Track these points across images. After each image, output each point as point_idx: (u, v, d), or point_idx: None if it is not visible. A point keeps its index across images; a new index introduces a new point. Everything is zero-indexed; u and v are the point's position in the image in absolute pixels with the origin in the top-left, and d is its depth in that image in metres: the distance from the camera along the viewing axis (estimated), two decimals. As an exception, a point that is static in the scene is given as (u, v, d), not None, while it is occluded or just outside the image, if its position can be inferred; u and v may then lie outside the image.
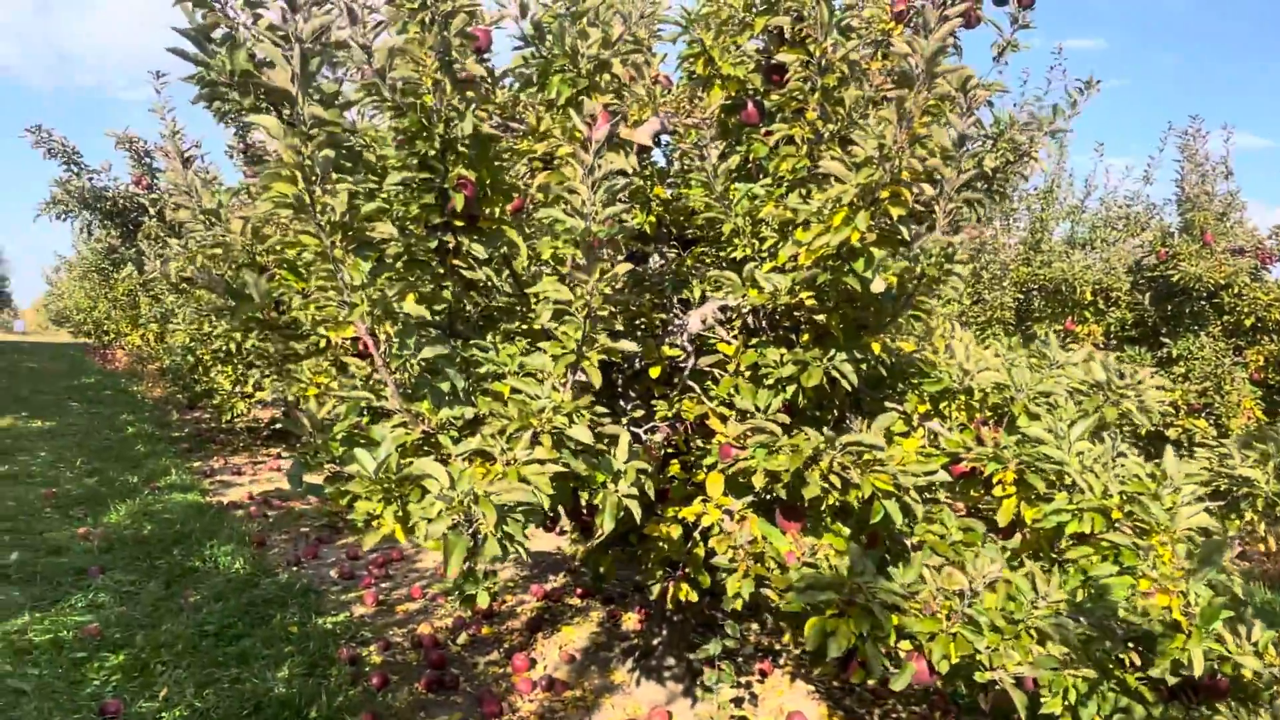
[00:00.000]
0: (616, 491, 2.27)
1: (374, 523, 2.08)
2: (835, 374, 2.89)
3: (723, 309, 3.30)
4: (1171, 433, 7.33)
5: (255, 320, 2.25)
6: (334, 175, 1.92)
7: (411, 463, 2.08)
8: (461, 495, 1.88)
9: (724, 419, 3.08)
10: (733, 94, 3.21)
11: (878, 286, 2.58)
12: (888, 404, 3.44)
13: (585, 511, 2.65)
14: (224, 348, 6.23)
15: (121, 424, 11.72)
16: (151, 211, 7.94)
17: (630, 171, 2.56)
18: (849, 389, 2.89)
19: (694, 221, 3.85)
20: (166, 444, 10.40)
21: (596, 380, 2.28)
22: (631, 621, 5.40)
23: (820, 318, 2.85)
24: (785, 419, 3.00)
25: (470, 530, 1.89)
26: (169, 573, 5.80)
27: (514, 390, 2.35)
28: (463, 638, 5.05)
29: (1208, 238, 7.89)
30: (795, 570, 2.72)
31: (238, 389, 7.46)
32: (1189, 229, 8.07)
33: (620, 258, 2.60)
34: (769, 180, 2.94)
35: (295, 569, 6.17)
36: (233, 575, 5.77)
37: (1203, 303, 8.26)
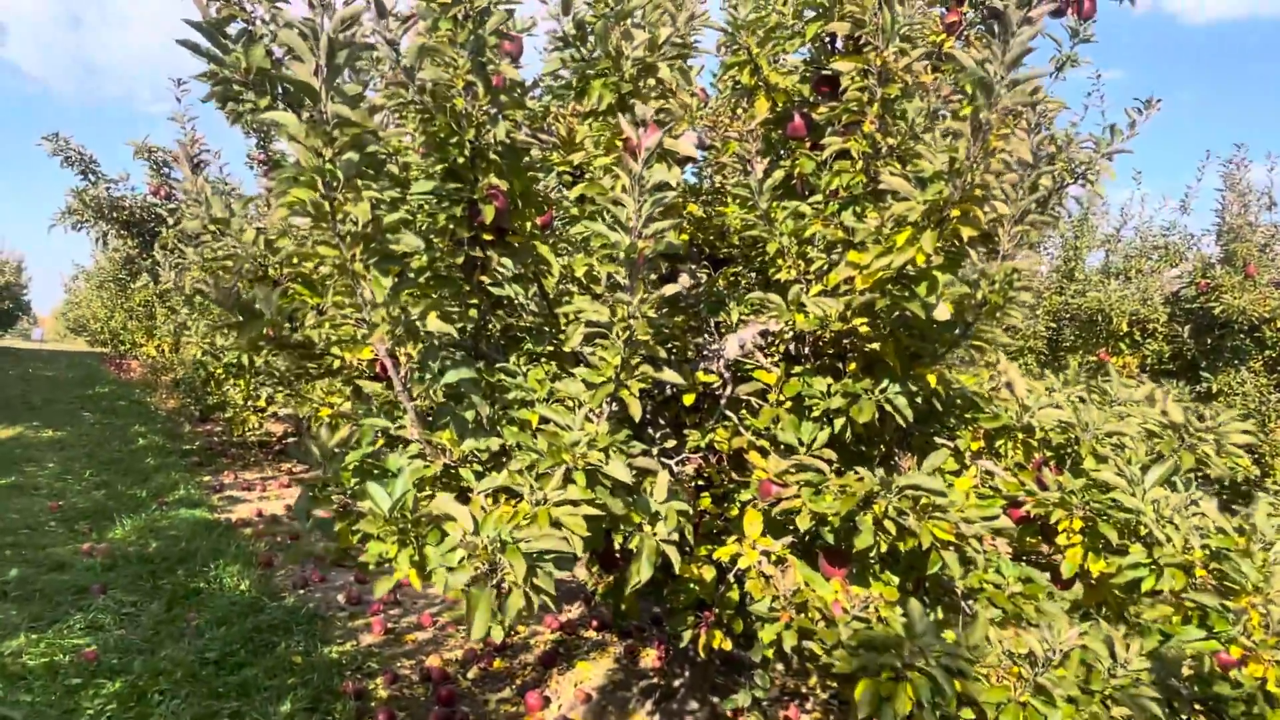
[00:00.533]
0: (654, 535, 2.06)
1: (387, 566, 1.86)
2: (888, 408, 2.67)
3: (763, 334, 3.08)
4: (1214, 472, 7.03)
5: (265, 338, 2.05)
6: (358, 181, 1.73)
7: (431, 499, 1.87)
8: (487, 542, 1.67)
9: (764, 452, 2.86)
10: (779, 106, 3.01)
11: (941, 314, 2.37)
12: (937, 439, 3.21)
13: (618, 555, 2.43)
14: (236, 361, 6.07)
15: (133, 435, 11.57)
16: (170, 221, 7.81)
17: (677, 184, 2.36)
18: (902, 424, 2.67)
19: (729, 240, 3.64)
20: (177, 457, 10.23)
21: (636, 412, 2.07)
22: (650, 658, 5.16)
23: (873, 346, 2.63)
24: (832, 455, 2.78)
25: (495, 581, 1.68)
26: (172, 593, 5.60)
27: (543, 420, 2.13)
28: (473, 671, 4.82)
29: (1251, 270, 7.63)
30: (844, 624, 2.48)
31: (249, 403, 7.29)
32: (1230, 260, 7.82)
33: (654, 278, 2.39)
34: (819, 197, 2.74)
35: (302, 592, 5.96)
36: (237, 598, 5.57)
37: (1243, 336, 7.99)
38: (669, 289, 2.05)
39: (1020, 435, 3.18)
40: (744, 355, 3.12)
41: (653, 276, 2.16)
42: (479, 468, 2.02)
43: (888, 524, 2.48)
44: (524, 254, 2.29)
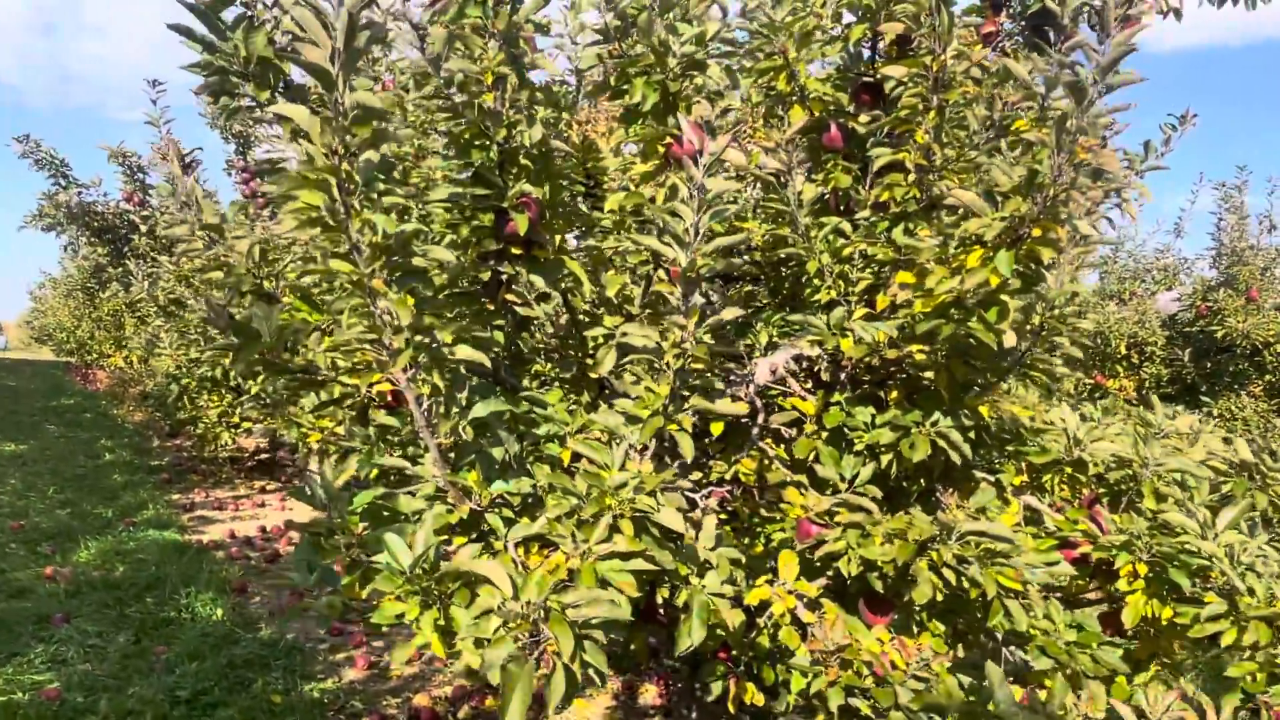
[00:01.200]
0: (704, 589, 1.81)
1: (407, 625, 1.61)
2: (941, 443, 2.45)
3: (796, 359, 2.86)
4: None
5: (263, 362, 1.80)
6: (379, 185, 1.48)
7: (458, 554, 1.62)
8: (527, 609, 1.42)
9: (801, 488, 2.63)
10: (815, 114, 2.80)
11: (1010, 340, 2.16)
12: (977, 473, 3.00)
13: (661, 612, 2.18)
14: (210, 374, 5.76)
15: (99, 450, 11.15)
16: (143, 229, 7.49)
17: (739, 196, 2.15)
18: (957, 460, 2.45)
19: (752, 257, 3.42)
20: (145, 474, 9.84)
21: (689, 450, 1.84)
22: (650, 695, 4.90)
23: (927, 375, 2.42)
24: (877, 493, 2.56)
25: (536, 654, 1.43)
26: (140, 623, 5.27)
27: (577, 457, 1.89)
28: (464, 711, 4.54)
29: (1253, 293, 7.53)
30: (899, 683, 2.25)
31: (224, 419, 6.97)
32: (1232, 283, 7.72)
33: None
34: (865, 212, 2.52)
35: (279, 621, 5.64)
36: (210, 628, 5.24)
37: (1243, 361, 7.90)
38: (729, 312, 1.82)
39: (1068, 470, 2.98)
40: (774, 381, 2.89)
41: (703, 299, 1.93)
42: (509, 513, 1.77)
43: (946, 572, 2.26)
44: (553, 270, 2.05)
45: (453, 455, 1.81)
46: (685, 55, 1.95)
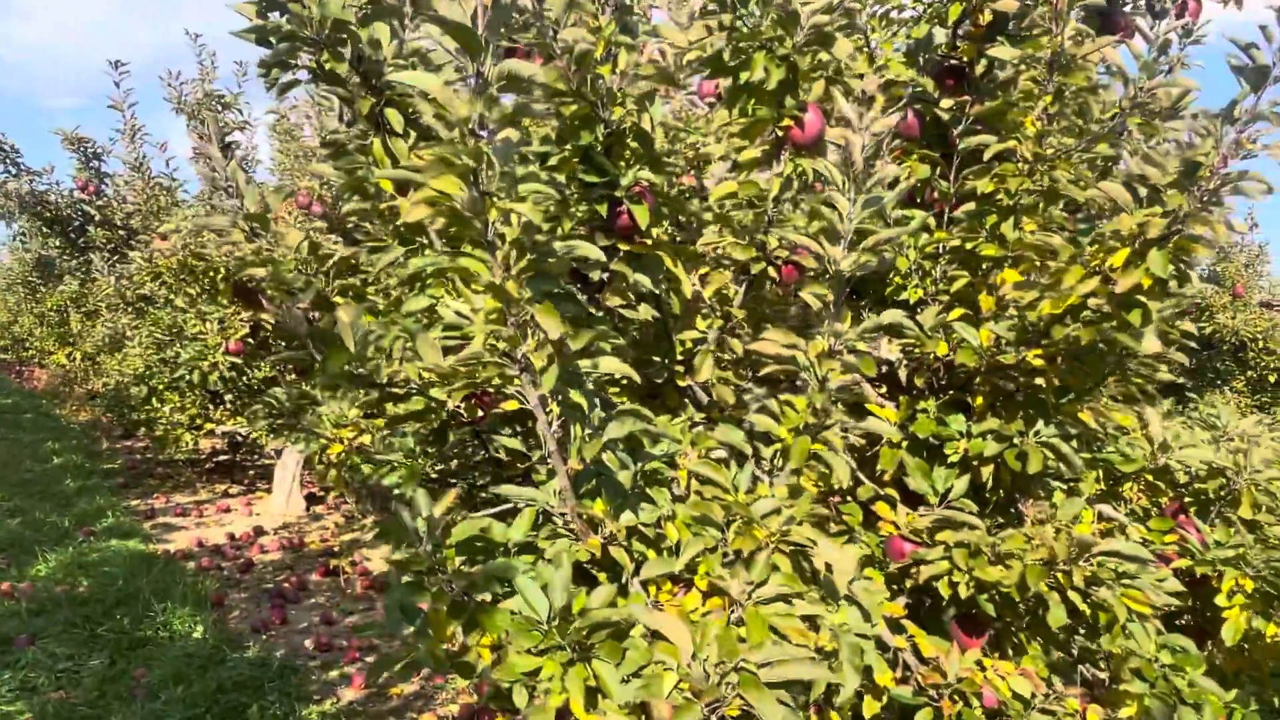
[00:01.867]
0: (848, 628, 1.61)
1: (541, 687, 1.38)
2: (1049, 454, 2.28)
3: (877, 362, 2.66)
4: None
5: (347, 376, 1.55)
6: (521, 169, 1.25)
7: (590, 597, 1.39)
8: (714, 671, 1.21)
9: (891, 503, 2.44)
10: (896, 100, 2.60)
11: (1152, 346, 1.99)
12: (1052, 482, 2.84)
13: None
14: (187, 377, 5.41)
15: (46, 453, 10.57)
16: (98, 219, 7.04)
17: (903, 182, 1.94)
18: (1068, 473, 2.28)
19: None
20: (99, 478, 9.34)
21: (844, 474, 1.63)
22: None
23: (1038, 381, 2.25)
24: (973, 507, 2.38)
25: (721, 720, 1.21)
26: (115, 644, 4.91)
27: (702, 480, 1.67)
28: (476, 732, 4.28)
29: (1239, 290, 7.58)
30: (1019, 716, 2.08)
31: (196, 421, 6.60)
32: (1218, 280, 7.77)
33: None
34: (972, 205, 2.34)
35: (265, 638, 5.31)
36: (192, 647, 4.90)
37: (1226, 357, 7.96)
38: (887, 315, 1.62)
39: (1149, 477, 2.84)
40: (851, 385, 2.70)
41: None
42: (641, 547, 1.54)
43: (1073, 595, 2.09)
44: (656, 267, 1.83)
45: (575, 485, 1.57)
46: (814, 27, 1.73)
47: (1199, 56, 3.71)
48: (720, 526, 1.53)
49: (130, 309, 6.57)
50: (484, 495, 2.43)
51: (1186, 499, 2.79)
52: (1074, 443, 2.46)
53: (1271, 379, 7.93)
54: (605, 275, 1.80)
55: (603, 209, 1.68)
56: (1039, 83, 2.20)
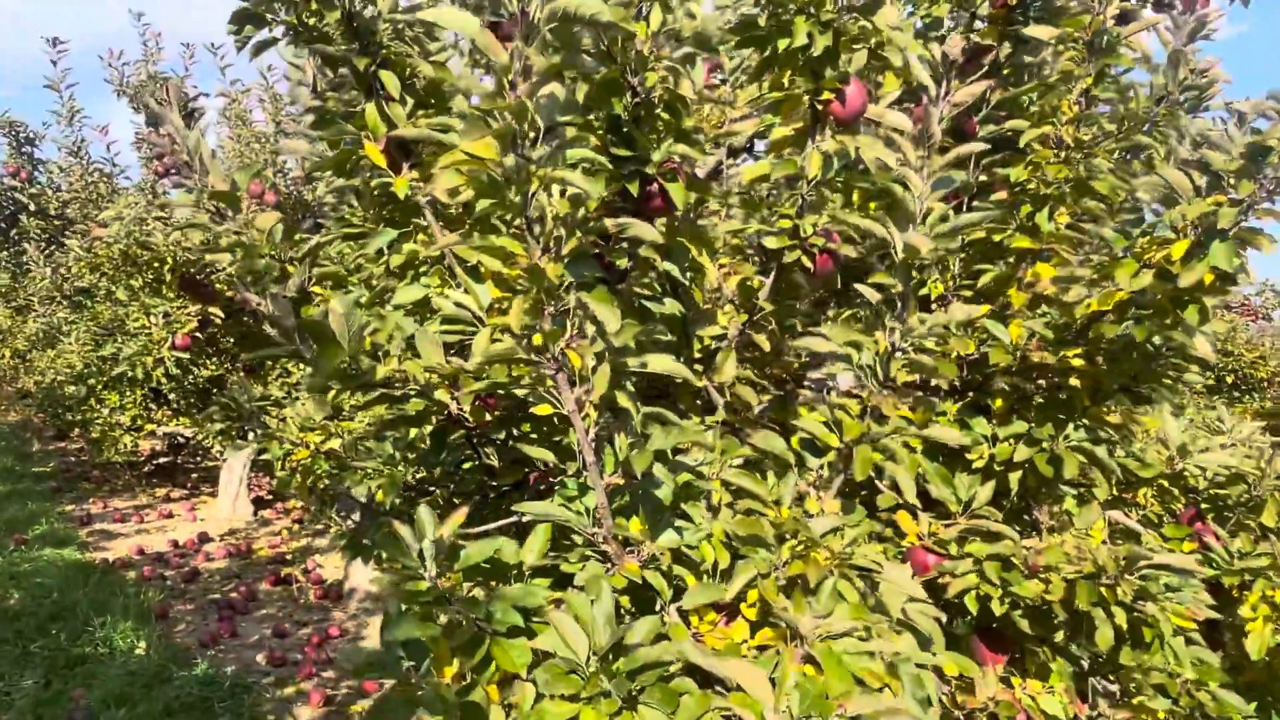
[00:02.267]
0: (910, 661, 1.44)
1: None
2: (1083, 458, 2.15)
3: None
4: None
5: (343, 375, 1.34)
6: (567, 132, 1.06)
7: (631, 630, 1.21)
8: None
9: (912, 511, 2.28)
10: (910, 84, 2.45)
11: (1205, 349, 1.87)
12: (1063, 487, 2.72)
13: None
14: (129, 374, 5.05)
15: (-29, 455, 10.02)
16: (32, 207, 6.63)
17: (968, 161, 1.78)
18: (1109, 483, 2.16)
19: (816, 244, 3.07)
20: (31, 482, 8.86)
21: (910, 489, 1.47)
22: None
23: (1073, 381, 2.11)
24: (998, 515, 2.24)
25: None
26: (50, 662, 4.57)
27: (735, 491, 1.49)
28: (445, 751, 4.05)
29: (1199, 291, 7.63)
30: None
31: (137, 421, 6.22)
32: (1179, 282, 7.82)
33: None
34: (1003, 195, 2.20)
35: (212, 652, 5.01)
36: (135, 665, 4.59)
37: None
38: (959, 312, 1.46)
39: (1163, 483, 2.74)
40: (859, 388, 2.54)
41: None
42: (682, 571, 1.35)
43: (1116, 611, 1.96)
44: (682, 256, 1.64)
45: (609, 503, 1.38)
46: (858, -11, 1.57)
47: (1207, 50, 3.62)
48: (767, 545, 1.35)
49: (66, 302, 6.17)
50: (474, 504, 2.22)
51: (1203, 505, 2.69)
52: (1103, 447, 2.34)
53: (1229, 380, 8.02)
54: (629, 263, 1.61)
55: (633, 186, 1.49)
56: (1078, 63, 2.06)
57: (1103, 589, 1.95)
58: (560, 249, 1.13)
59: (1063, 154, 2.08)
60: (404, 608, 1.39)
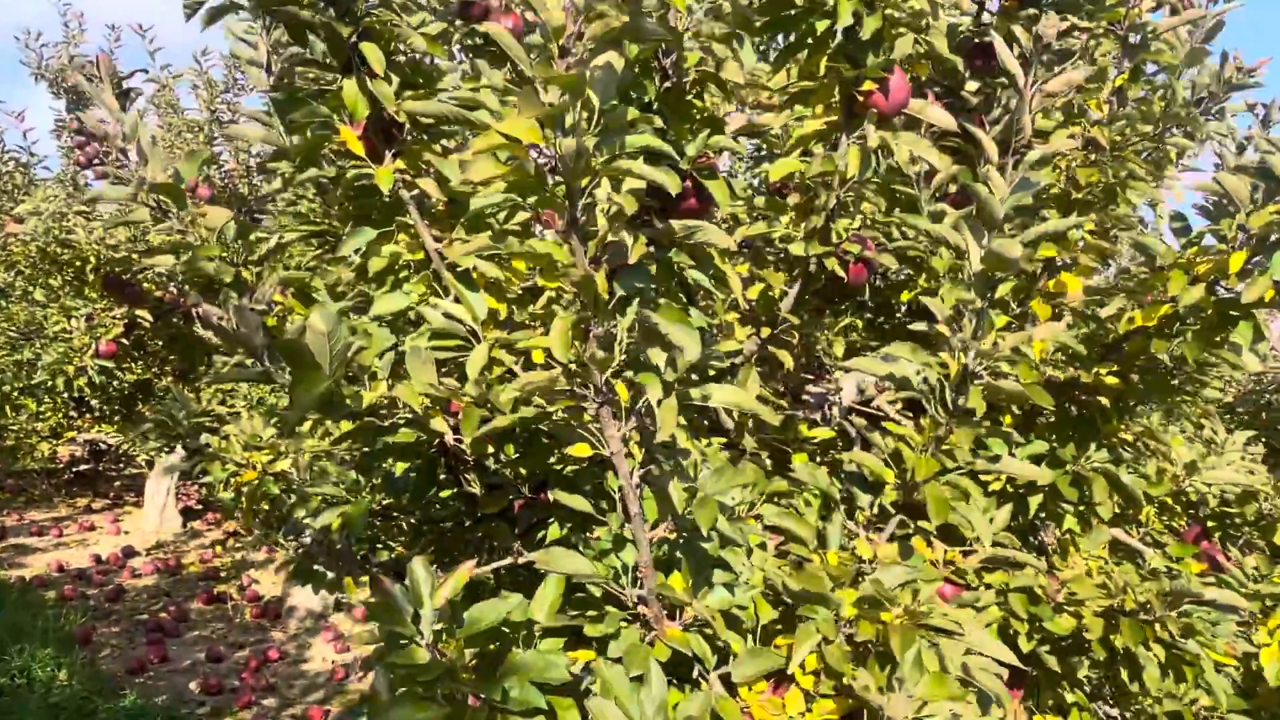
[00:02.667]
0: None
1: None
2: (1108, 480, 2.02)
3: (889, 376, 2.35)
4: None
5: (325, 403, 1.11)
6: (627, 112, 0.86)
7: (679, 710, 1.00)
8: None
9: (927, 538, 2.13)
10: (921, 79, 2.30)
11: (1254, 365, 1.74)
12: (1064, 505, 2.61)
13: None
14: (48, 381, 4.65)
15: None
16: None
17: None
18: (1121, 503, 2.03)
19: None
20: (-64, 493, 8.27)
21: (986, 532, 1.29)
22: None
23: (1103, 400, 1.98)
24: (1016, 542, 2.10)
25: None
26: (-42, 697, 4.17)
27: (782, 537, 1.30)
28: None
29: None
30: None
31: (57, 429, 5.78)
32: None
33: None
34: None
35: (141, 680, 4.66)
36: (56, 697, 4.21)
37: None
38: (1045, 330, 1.29)
39: (1167, 500, 2.64)
40: (862, 403, 2.38)
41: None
42: (733, 636, 1.15)
43: (1155, 648, 1.82)
44: (706, 263, 1.45)
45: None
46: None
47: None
48: (824, 600, 1.17)
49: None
50: (451, 538, 2.00)
51: (1209, 523, 2.60)
52: (1123, 467, 2.22)
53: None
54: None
55: (673, 181, 1.29)
56: (1114, 59, 1.92)
57: (1149, 628, 1.81)
58: (621, 255, 0.93)
59: (1093, 156, 1.94)
60: (399, 687, 1.17)
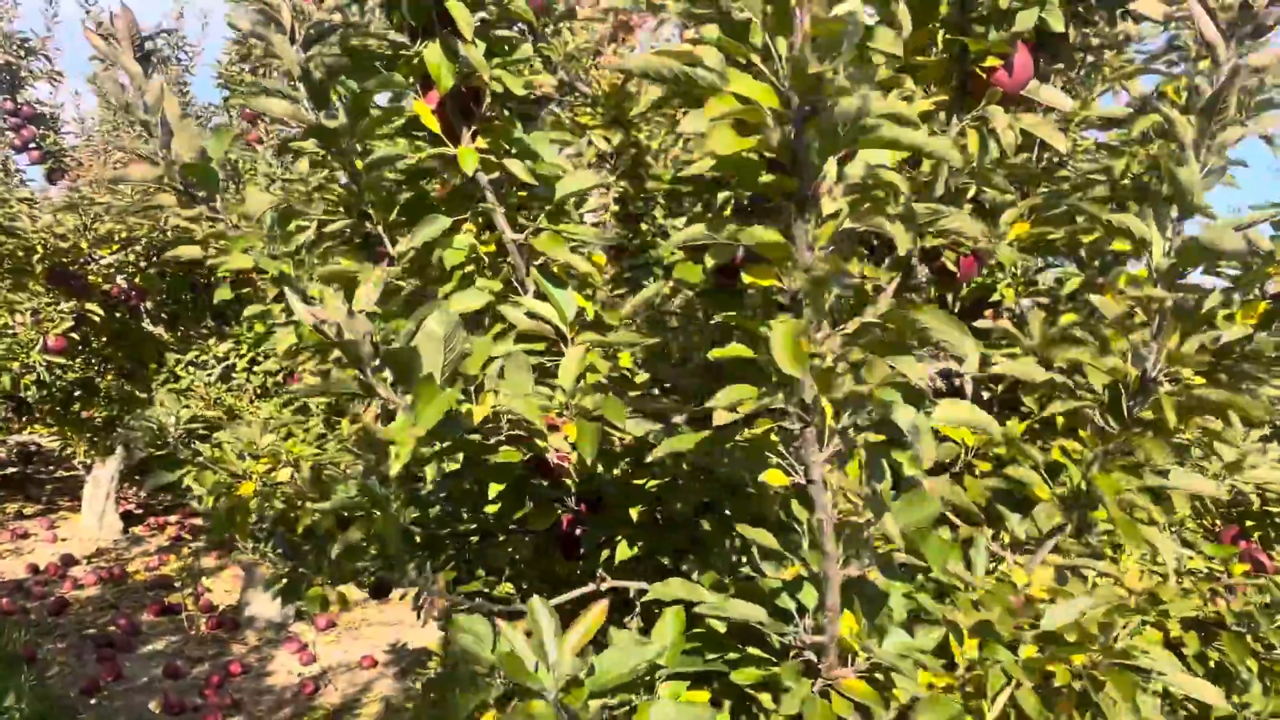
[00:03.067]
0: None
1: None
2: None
3: (943, 374, 2.25)
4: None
5: (444, 429, 0.93)
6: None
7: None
8: None
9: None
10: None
11: (1357, 364, 1.66)
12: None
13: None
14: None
15: None
16: None
17: None
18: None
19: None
20: None
21: (1172, 559, 1.16)
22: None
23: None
24: (1080, 549, 2.00)
25: None
26: (-108, 726, 3.84)
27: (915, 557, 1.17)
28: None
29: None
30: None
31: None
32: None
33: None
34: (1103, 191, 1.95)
35: (95, 701, 4.35)
36: (2, 723, 3.90)
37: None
38: (1207, 339, 1.17)
39: (1204, 500, 2.59)
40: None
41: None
42: (909, 684, 1.00)
43: (1251, 662, 1.74)
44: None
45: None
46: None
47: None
48: (1005, 640, 1.04)
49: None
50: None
51: (1248, 523, 2.56)
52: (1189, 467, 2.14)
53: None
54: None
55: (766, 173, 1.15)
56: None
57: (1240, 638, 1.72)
58: (849, 246, 0.78)
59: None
60: None
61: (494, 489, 1.25)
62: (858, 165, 0.82)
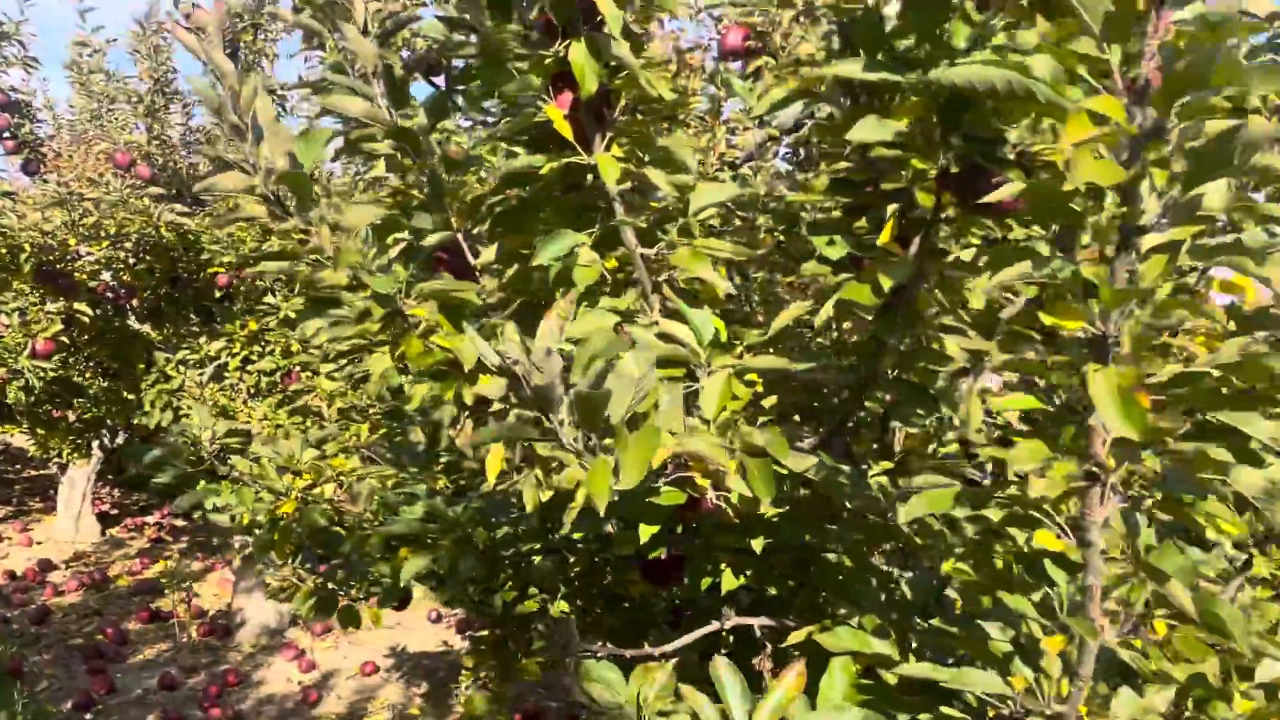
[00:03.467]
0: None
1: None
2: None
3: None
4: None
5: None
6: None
7: None
8: None
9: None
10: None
11: None
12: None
13: None
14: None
15: None
16: None
17: None
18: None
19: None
20: None
21: None
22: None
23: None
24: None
25: None
26: (-122, 749, 3.66)
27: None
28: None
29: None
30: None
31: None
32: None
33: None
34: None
35: (90, 716, 4.19)
36: (-4, 744, 3.74)
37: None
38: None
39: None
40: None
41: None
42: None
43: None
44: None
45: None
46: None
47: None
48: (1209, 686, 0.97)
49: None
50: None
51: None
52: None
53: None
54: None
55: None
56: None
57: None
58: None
59: None
60: None
61: (645, 531, 1.16)
62: (1216, 195, 0.74)
